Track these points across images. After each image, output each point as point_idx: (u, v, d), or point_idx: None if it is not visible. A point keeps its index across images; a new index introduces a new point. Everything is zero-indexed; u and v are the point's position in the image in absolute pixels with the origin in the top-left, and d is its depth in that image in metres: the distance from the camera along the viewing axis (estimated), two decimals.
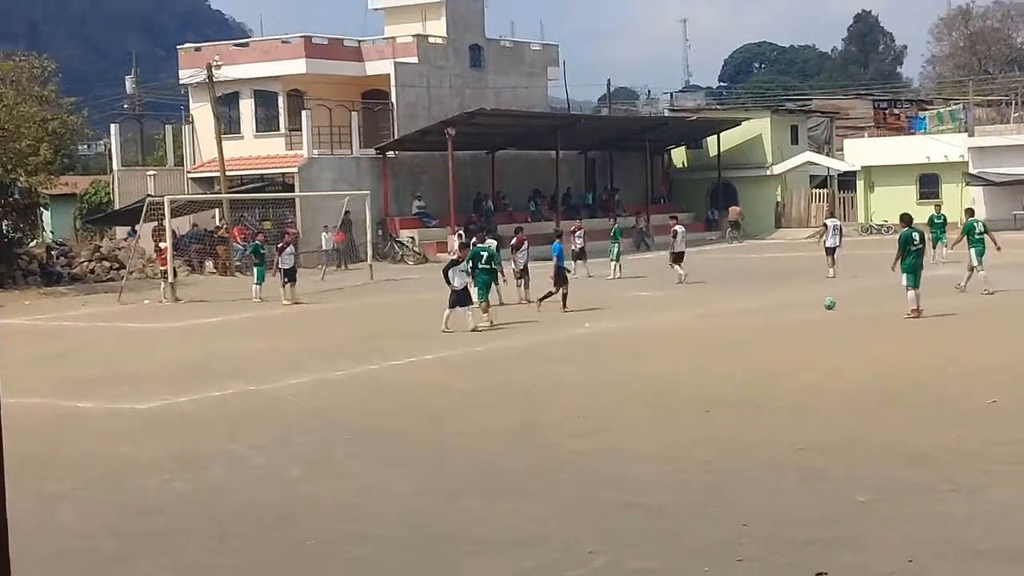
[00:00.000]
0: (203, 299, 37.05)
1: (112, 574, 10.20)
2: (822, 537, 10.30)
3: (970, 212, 33.57)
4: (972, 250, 30.36)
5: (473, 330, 25.37)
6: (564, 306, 28.95)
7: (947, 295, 27.42)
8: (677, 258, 37.14)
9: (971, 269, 30.06)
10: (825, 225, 38.84)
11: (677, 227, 37.76)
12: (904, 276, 24.92)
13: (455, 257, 26.69)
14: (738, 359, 20.81)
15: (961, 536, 10.22)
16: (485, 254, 27.51)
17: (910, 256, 24.92)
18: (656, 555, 10.00)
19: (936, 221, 39.15)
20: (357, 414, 17.12)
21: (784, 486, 12.10)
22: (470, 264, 26.84)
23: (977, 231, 30.80)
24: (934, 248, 37.03)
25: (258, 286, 35.94)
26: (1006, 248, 32.38)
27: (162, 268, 38.24)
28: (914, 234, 25.19)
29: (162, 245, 38.48)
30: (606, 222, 59.67)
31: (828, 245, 37.21)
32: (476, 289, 26.75)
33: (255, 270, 36.78)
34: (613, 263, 38.92)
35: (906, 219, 25.90)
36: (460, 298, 25.85)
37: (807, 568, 9.50)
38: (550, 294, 29.42)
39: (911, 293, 24.69)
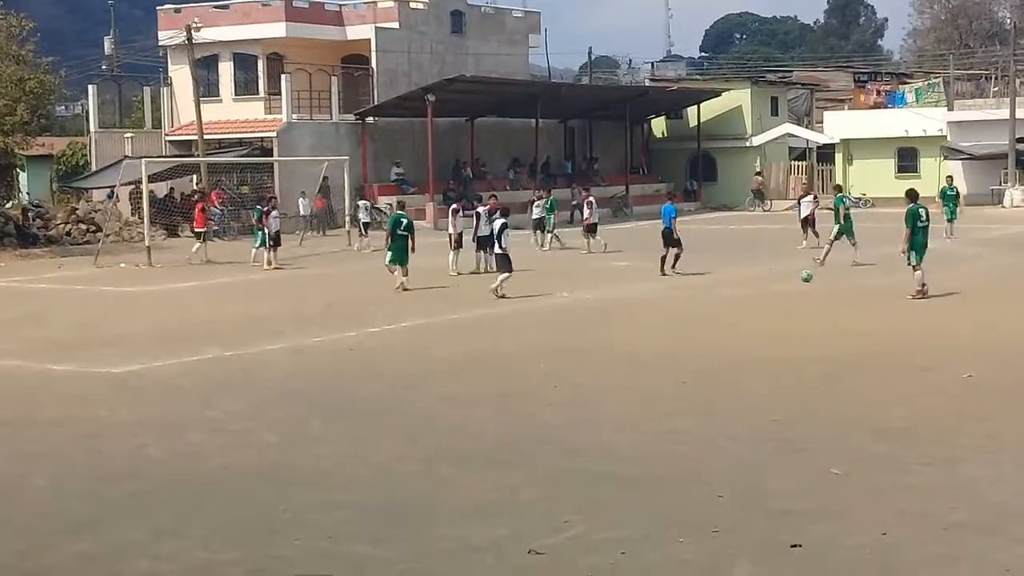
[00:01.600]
0: (225, 261, 36.68)
1: (86, 537, 10.18)
2: (797, 509, 10.36)
3: (839, 188, 34.09)
4: (836, 226, 31.47)
5: (502, 296, 25.53)
6: (662, 269, 29.37)
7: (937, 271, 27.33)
8: (590, 229, 37.34)
9: (830, 243, 31.19)
10: (815, 198, 38.88)
11: (590, 198, 38.02)
12: (910, 254, 23.92)
13: (505, 221, 26.92)
14: (714, 330, 20.87)
15: (934, 509, 10.29)
16: (404, 221, 28.19)
17: (917, 233, 23.90)
18: (631, 525, 10.03)
19: (948, 194, 39.18)
20: (333, 381, 17.10)
21: (759, 457, 12.16)
22: (390, 232, 28.06)
23: (844, 206, 31.91)
24: (949, 222, 37.21)
25: (260, 249, 35.85)
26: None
27: (198, 229, 38.05)
28: (920, 210, 24.07)
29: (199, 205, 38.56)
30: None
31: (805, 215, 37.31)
32: (391, 254, 27.78)
33: (258, 233, 36.60)
34: (549, 234, 39.06)
35: (912, 195, 24.69)
36: (503, 263, 26.22)
37: (781, 539, 9.56)
38: (677, 257, 29.61)
39: (917, 273, 23.79)
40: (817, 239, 36.07)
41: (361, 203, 42.94)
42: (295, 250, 39.86)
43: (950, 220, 37.75)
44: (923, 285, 23.72)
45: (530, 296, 25.98)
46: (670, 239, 29.73)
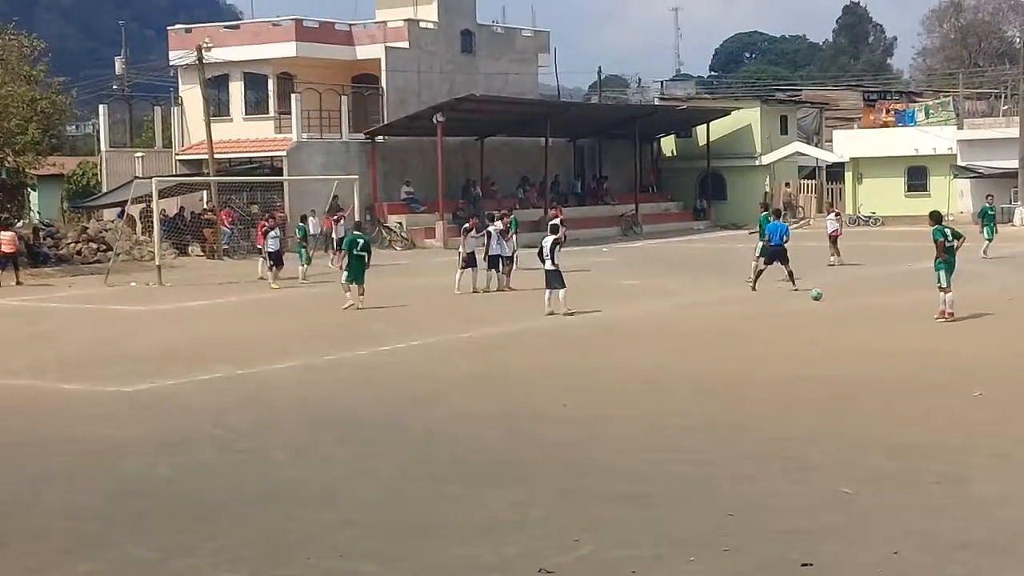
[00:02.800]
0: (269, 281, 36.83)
1: (95, 556, 10.17)
2: (807, 527, 10.32)
3: (765, 207, 34.57)
4: (760, 244, 31.94)
5: (567, 313, 25.55)
6: (754, 281, 29.75)
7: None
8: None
9: (759, 261, 31.61)
10: (839, 215, 40.59)
11: (559, 216, 37.77)
12: (939, 275, 23.31)
13: (558, 236, 26.80)
14: (724, 348, 20.83)
15: (944, 528, 10.25)
16: (361, 241, 28.81)
17: (945, 254, 23.35)
18: (641, 544, 10.00)
19: (989, 212, 39.06)
20: (343, 399, 17.10)
21: (769, 476, 12.12)
22: (346, 251, 28.86)
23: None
24: (990, 241, 37.19)
25: (304, 267, 36.43)
26: (995, 241, 32.62)
27: (260, 247, 38.04)
28: (946, 230, 23.57)
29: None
30: (593, 210, 59.94)
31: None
32: (347, 273, 28.33)
33: (300, 251, 37.05)
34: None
35: (936, 216, 24.05)
36: (555, 279, 26.06)
37: (792, 558, 9.52)
38: (760, 272, 29.77)
39: (946, 295, 23.21)
40: (839, 256, 36.72)
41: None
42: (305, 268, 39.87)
43: (989, 240, 37.71)
44: (951, 310, 23.17)
45: (537, 315, 25.96)
46: (783, 256, 29.75)
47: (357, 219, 37.34)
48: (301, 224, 39.55)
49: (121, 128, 61.26)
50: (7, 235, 38.92)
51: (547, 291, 26.16)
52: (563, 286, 26.02)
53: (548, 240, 26.65)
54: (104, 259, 42.49)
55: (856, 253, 37.98)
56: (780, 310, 26.13)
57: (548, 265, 26.23)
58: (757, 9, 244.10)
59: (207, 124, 47.46)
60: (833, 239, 37.66)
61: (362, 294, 28.01)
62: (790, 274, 29.69)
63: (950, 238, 23.62)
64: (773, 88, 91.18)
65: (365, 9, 65.26)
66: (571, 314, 25.53)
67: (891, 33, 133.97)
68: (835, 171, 66.41)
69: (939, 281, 23.42)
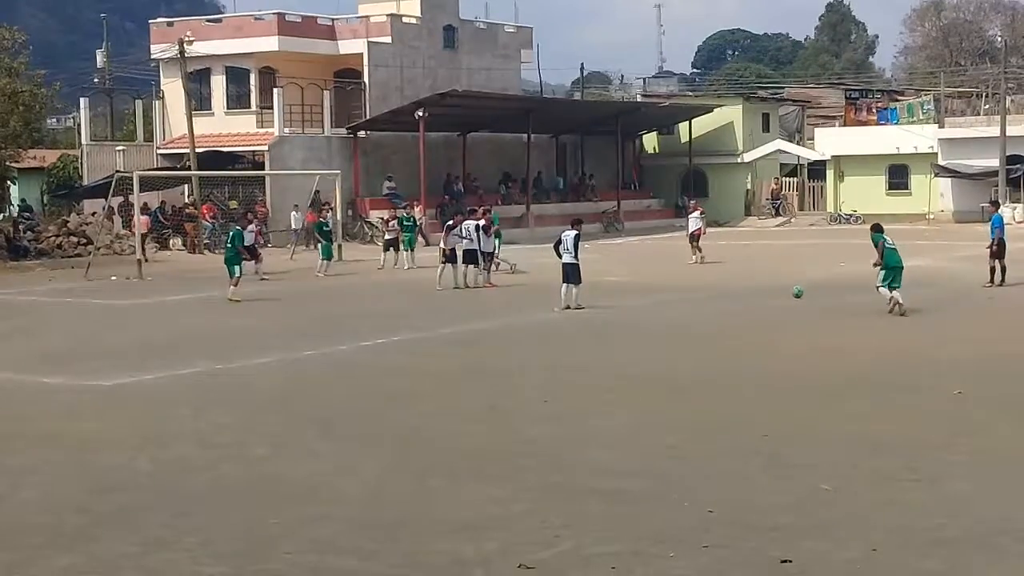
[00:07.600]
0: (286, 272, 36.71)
1: (75, 550, 10.14)
2: (787, 524, 10.35)
3: (472, 212, 36.22)
4: (497, 240, 33.40)
5: (577, 307, 25.63)
6: (1002, 280, 29.07)
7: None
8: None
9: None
10: (702, 213, 41.09)
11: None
12: (880, 274, 24.10)
13: (578, 232, 26.58)
14: (704, 346, 20.88)
15: (923, 525, 10.28)
16: (230, 234, 30.67)
17: (887, 256, 24.04)
18: (621, 540, 10.01)
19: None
20: (324, 394, 17.08)
21: (750, 473, 12.15)
22: (228, 244, 30.62)
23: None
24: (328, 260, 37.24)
25: (325, 262, 36.66)
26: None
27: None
28: (885, 238, 24.28)
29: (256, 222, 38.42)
30: (576, 207, 59.96)
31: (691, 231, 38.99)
32: (228, 266, 29.92)
33: (321, 246, 37.27)
34: (406, 252, 38.66)
35: (877, 228, 24.88)
36: (574, 274, 26.03)
37: (772, 555, 9.54)
38: (994, 269, 29.20)
39: (891, 294, 23.84)
40: (702, 254, 37.80)
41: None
42: (287, 263, 39.86)
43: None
44: (893, 304, 23.74)
45: (521, 311, 25.98)
46: (1001, 250, 29.21)
47: (246, 213, 37.42)
48: (320, 219, 39.38)
49: (102, 121, 61.11)
50: (144, 218, 42.80)
51: (564, 285, 26.00)
52: (580, 282, 25.98)
53: (571, 234, 26.30)
54: (85, 253, 42.36)
55: (834, 252, 38.07)
56: (761, 308, 26.19)
57: (569, 259, 25.96)
58: (740, 6, 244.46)
59: (189, 118, 47.34)
60: (694, 237, 38.30)
61: (235, 285, 29.35)
62: (1002, 269, 29.19)
63: (889, 242, 24.16)
64: (755, 86, 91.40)
65: (348, 4, 65.26)
66: (581, 308, 25.62)
67: (873, 31, 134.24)
68: (817, 169, 66.59)
69: (879, 282, 24.16)
